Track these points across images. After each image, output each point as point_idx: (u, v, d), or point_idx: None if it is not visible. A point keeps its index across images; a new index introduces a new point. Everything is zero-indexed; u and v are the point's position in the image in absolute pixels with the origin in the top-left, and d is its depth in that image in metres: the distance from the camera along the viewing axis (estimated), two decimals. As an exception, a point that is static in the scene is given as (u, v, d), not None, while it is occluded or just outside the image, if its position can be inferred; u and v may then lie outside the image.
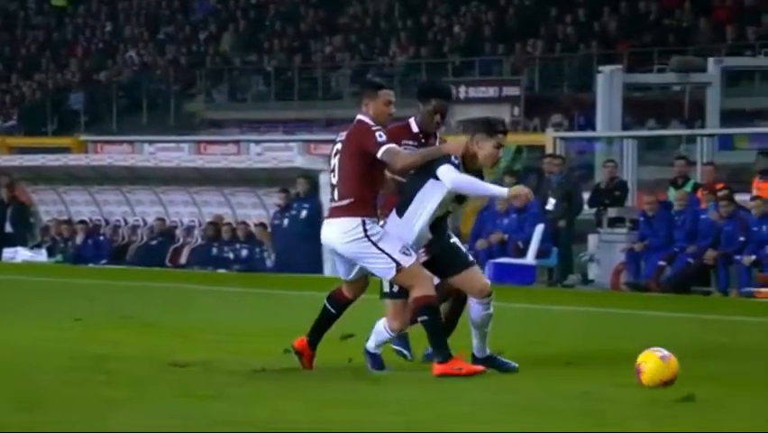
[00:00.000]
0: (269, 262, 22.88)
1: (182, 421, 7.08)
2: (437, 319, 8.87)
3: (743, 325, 14.18)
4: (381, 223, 9.00)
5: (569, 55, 32.96)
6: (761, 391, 8.49)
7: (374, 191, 8.90)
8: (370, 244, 8.78)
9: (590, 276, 20.04)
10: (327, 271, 21.98)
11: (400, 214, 8.95)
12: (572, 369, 9.42)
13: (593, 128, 24.25)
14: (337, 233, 8.90)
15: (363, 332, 9.57)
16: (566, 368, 9.45)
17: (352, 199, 8.83)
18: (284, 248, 22.43)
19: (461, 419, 7.27)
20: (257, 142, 27.34)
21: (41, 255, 25.44)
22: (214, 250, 23.57)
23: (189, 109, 37.70)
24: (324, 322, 9.30)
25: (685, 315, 15.10)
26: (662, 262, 18.78)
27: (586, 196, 20.42)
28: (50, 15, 44.10)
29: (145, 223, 24.97)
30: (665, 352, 8.53)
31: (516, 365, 9.14)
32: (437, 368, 8.82)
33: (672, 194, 19.72)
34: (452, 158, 8.87)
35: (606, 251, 19.74)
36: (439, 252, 9.03)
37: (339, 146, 9.01)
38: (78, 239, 25.34)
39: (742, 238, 18.10)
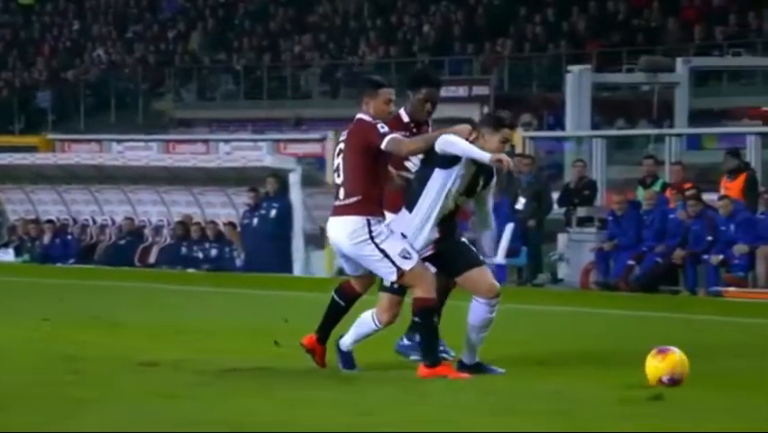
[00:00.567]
0: (238, 262, 22.82)
1: (151, 421, 7.04)
2: (432, 323, 8.84)
3: (711, 324, 14.25)
4: (387, 221, 8.92)
5: (538, 55, 33.05)
6: (730, 390, 8.52)
7: (379, 188, 8.88)
8: (374, 246, 8.78)
9: (560, 275, 20.09)
10: (297, 270, 21.95)
11: (410, 209, 8.90)
12: (543, 368, 9.43)
13: (562, 128, 24.33)
14: (344, 233, 8.88)
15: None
16: (537, 367, 9.46)
17: (359, 197, 8.83)
18: (253, 247, 22.38)
19: (431, 419, 7.26)
20: (226, 141, 27.25)
21: (9, 255, 25.29)
22: (184, 249, 23.49)
23: (158, 108, 37.56)
24: (332, 316, 9.26)
25: (654, 314, 15.15)
26: (630, 262, 18.85)
27: (555, 195, 20.47)
28: (16, 14, 43.85)
29: (113, 222, 24.86)
30: (663, 348, 8.45)
31: (503, 371, 9.09)
32: (423, 371, 8.80)
33: (641, 193, 19.79)
34: None
35: (575, 250, 19.80)
36: (446, 250, 8.93)
37: (342, 145, 9.02)
38: (46, 238, 25.19)
39: (710, 238, 18.18)
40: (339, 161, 8.97)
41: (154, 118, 36.58)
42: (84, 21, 42.70)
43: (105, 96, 37.98)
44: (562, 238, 20.19)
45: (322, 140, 24.91)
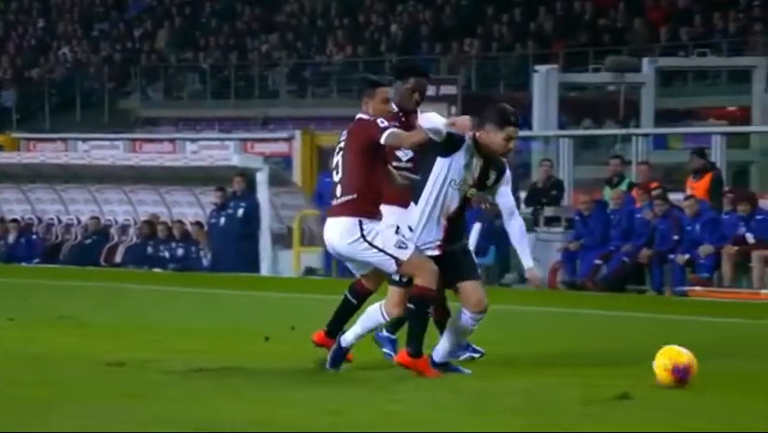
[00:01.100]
0: (205, 261, 22.74)
1: (118, 422, 7.00)
2: (425, 313, 8.80)
3: (677, 323, 14.31)
4: (389, 218, 8.92)
5: (505, 54, 33.12)
6: (696, 389, 8.55)
7: (376, 187, 8.89)
8: (367, 244, 8.79)
9: (527, 275, 20.10)
10: (264, 270, 21.90)
11: (417, 201, 8.89)
12: (511, 368, 9.44)
13: (529, 127, 24.36)
14: (337, 235, 8.90)
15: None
16: (504, 367, 9.46)
17: (354, 196, 8.85)
18: (220, 247, 22.31)
19: (399, 419, 7.26)
20: (193, 140, 27.16)
21: (-27, 254, 25.11)
22: (150, 249, 23.39)
23: (124, 107, 37.40)
24: (344, 313, 9.25)
25: (620, 313, 15.21)
26: (597, 261, 18.91)
27: (523, 195, 20.51)
28: (-19, 12, 43.55)
29: (79, 221, 24.73)
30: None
31: (470, 372, 9.10)
32: (404, 358, 8.81)
33: (608, 193, 19.86)
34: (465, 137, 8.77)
35: (542, 250, 19.84)
36: (449, 255, 8.88)
37: (342, 144, 9.03)
38: (11, 238, 25.03)
39: (676, 237, 18.26)
40: (338, 159, 9.00)
41: (120, 117, 36.41)
42: (49, 19, 42.46)
43: (70, 94, 37.78)
44: (529, 238, 20.21)
45: (289, 139, 24.86)
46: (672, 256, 18.18)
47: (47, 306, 14.73)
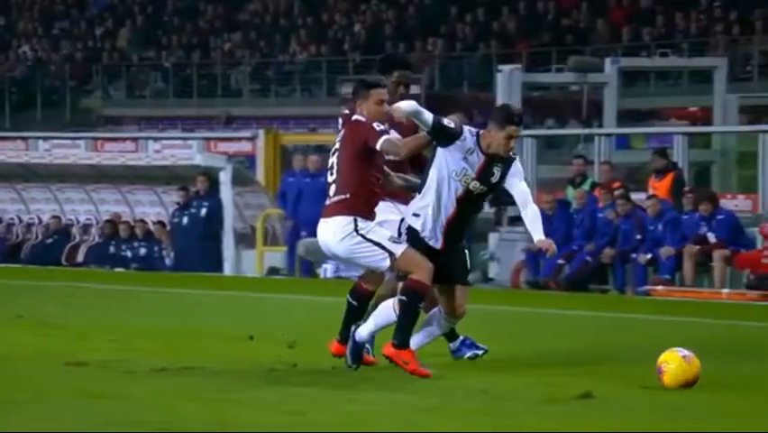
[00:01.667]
0: (167, 261, 22.64)
1: (80, 422, 6.96)
2: (416, 307, 8.79)
3: (639, 323, 14.37)
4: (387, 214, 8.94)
5: (468, 54, 33.20)
6: (658, 388, 8.59)
7: (369, 188, 8.88)
8: (360, 238, 8.78)
9: (491, 274, 20.15)
10: (227, 270, 21.83)
11: (420, 191, 8.93)
12: (472, 367, 9.44)
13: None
14: (331, 234, 8.89)
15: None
16: (466, 366, 9.47)
17: (347, 196, 8.84)
18: (183, 247, 22.22)
19: (360, 418, 7.25)
20: (155, 139, 27.02)
21: (-67, 254, 24.88)
22: (112, 248, 23.26)
23: (86, 106, 37.20)
24: (350, 318, 9.19)
25: (583, 313, 15.25)
26: (560, 261, 18.95)
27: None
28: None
29: (40, 221, 24.55)
30: (686, 351, 8.40)
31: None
32: (389, 350, 8.82)
33: (571, 193, 19.91)
34: (464, 134, 8.78)
35: (506, 249, 19.87)
36: (446, 254, 8.88)
37: (338, 144, 9.01)
38: (-29, 237, 24.82)
39: (638, 237, 18.33)
40: (333, 159, 8.98)
41: (82, 116, 36.22)
42: (9, 17, 42.16)
43: (31, 93, 37.54)
44: (492, 237, 20.26)
45: (253, 138, 24.79)
46: (634, 256, 18.25)
47: (8, 306, 14.61)
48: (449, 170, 8.82)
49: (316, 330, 11.52)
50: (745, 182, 21.04)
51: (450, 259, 8.95)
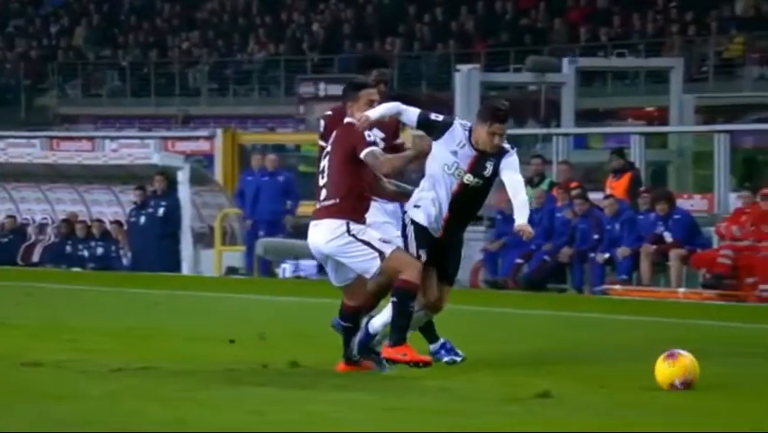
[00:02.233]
0: (125, 261, 22.52)
1: (36, 423, 6.90)
2: (408, 307, 8.77)
3: (597, 322, 14.43)
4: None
5: (427, 53, 33.23)
6: (615, 387, 8.62)
7: (359, 192, 8.85)
8: (351, 238, 8.76)
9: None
10: (185, 269, 21.73)
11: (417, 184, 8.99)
12: (432, 366, 9.42)
13: (451, 127, 24.40)
14: (322, 236, 8.85)
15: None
16: (425, 366, 9.44)
17: (337, 200, 8.82)
18: (140, 246, 22.10)
19: (321, 418, 7.23)
20: (112, 138, 26.86)
21: None
22: (68, 248, 23.11)
23: (41, 104, 36.94)
24: (349, 339, 9.14)
25: (542, 312, 15.30)
26: (519, 260, 19.00)
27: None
28: None
29: (-5, 220, 24.34)
30: (674, 351, 8.37)
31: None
32: (386, 351, 8.80)
33: (529, 192, 19.91)
34: (454, 126, 8.79)
35: (464, 249, 19.85)
36: (444, 244, 8.89)
37: (329, 148, 8.96)
38: (-74, 237, 24.57)
39: (596, 236, 18.41)
40: (324, 162, 8.95)
41: (37, 115, 35.97)
42: (-36, 15, 41.78)
43: (-14, 91, 37.20)
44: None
45: (210, 137, 24.69)
46: (592, 255, 18.32)
47: (-38, 306, 14.47)
48: (441, 163, 8.88)
49: (276, 330, 11.49)
50: (700, 182, 21.19)
51: (447, 254, 8.97)
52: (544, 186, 19.78)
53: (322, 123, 9.42)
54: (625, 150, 20.34)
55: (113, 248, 22.73)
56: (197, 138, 25.84)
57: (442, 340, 9.38)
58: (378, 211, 9.13)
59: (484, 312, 15.47)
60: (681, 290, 17.46)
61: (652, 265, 17.86)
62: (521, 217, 9.01)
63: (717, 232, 17.91)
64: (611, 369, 9.66)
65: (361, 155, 8.77)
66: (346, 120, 9.00)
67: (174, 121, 34.27)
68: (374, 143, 8.83)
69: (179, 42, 38.00)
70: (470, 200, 9.00)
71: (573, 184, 19.23)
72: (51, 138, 26.93)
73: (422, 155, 8.98)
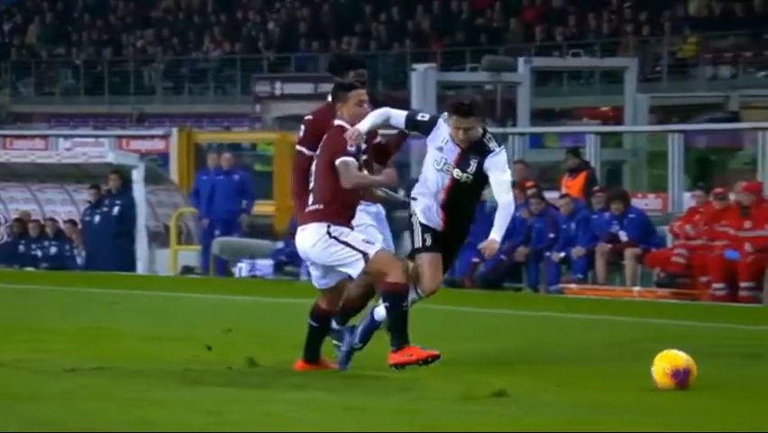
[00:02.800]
0: (79, 260, 22.37)
1: (-10, 425, 6.83)
2: (401, 308, 8.73)
3: (553, 321, 14.48)
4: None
5: (383, 53, 33.25)
6: (572, 385, 8.66)
7: (344, 198, 8.79)
8: (333, 240, 8.72)
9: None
10: (140, 269, 21.61)
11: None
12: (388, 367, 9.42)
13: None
14: (308, 240, 8.82)
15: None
16: (383, 364, 9.44)
17: (322, 205, 8.79)
18: (95, 246, 21.96)
19: (279, 418, 7.21)
20: (66, 137, 26.68)
21: None
22: (21, 247, 22.92)
23: (-6, 102, 36.61)
24: (313, 339, 9.13)
25: (498, 311, 15.34)
26: (475, 259, 19.05)
27: (401, 193, 20.53)
28: None
29: (-52, 219, 24.12)
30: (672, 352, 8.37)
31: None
32: (392, 357, 8.75)
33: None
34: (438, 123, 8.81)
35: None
36: (446, 237, 8.96)
37: (318, 151, 8.93)
38: None
39: (552, 235, 18.48)
40: (314, 166, 8.93)
41: (-10, 113, 35.63)
42: None
43: (-62, 89, 36.85)
44: (408, 236, 20.28)
45: (166, 136, 24.57)
46: (547, 254, 18.39)
47: None
48: (432, 160, 8.96)
49: (233, 329, 11.44)
50: (655, 181, 21.33)
51: (445, 246, 9.02)
52: (500, 185, 19.81)
53: (302, 127, 9.33)
54: (580, 149, 20.44)
55: (67, 247, 22.57)
56: (152, 137, 25.72)
57: (350, 325, 9.35)
58: (361, 213, 9.11)
59: (441, 311, 15.47)
60: (636, 288, 17.57)
61: (607, 264, 17.96)
62: (494, 233, 9.07)
63: (671, 231, 18.04)
64: (567, 368, 9.70)
65: (336, 162, 8.74)
66: (336, 122, 8.94)
67: (128, 119, 34.09)
68: (353, 154, 8.76)
69: (134, 40, 37.81)
70: (464, 196, 9.04)
71: (529, 183, 19.30)
72: (4, 137, 26.72)
73: (388, 186, 8.98)
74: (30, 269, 22.39)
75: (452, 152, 8.91)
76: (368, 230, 9.08)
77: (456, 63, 29.21)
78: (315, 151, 9.03)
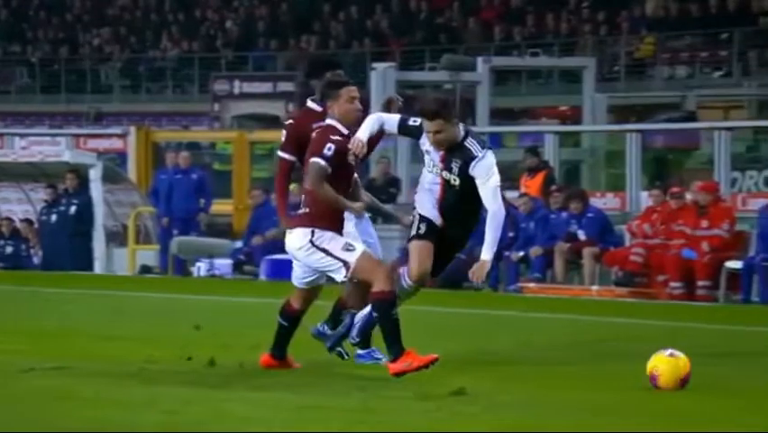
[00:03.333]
0: (35, 260, 22.22)
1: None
2: (391, 316, 8.65)
3: (512, 320, 14.52)
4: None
5: (342, 52, 33.21)
6: (531, 384, 8.68)
7: (328, 204, 8.71)
8: (314, 249, 8.68)
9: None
10: (97, 268, 21.49)
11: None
12: (347, 364, 9.42)
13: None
14: (295, 245, 8.78)
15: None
16: (341, 363, 9.44)
17: (308, 209, 8.74)
18: (52, 245, 21.82)
19: (236, 417, 7.18)
20: (22, 135, 26.47)
21: None
22: (-23, 247, 22.74)
23: (-51, 101, 36.28)
24: (281, 337, 9.08)
25: (457, 310, 15.37)
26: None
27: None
28: None
29: None
30: (671, 351, 8.31)
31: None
32: (392, 367, 8.64)
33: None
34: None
35: (381, 247, 19.86)
36: (445, 237, 8.96)
37: (307, 154, 8.86)
38: None
39: (511, 234, 18.52)
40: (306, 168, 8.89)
41: (-55, 111, 35.30)
42: None
43: None
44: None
45: (123, 135, 24.44)
46: (507, 254, 18.43)
47: None
48: (425, 163, 8.99)
49: (192, 329, 11.40)
50: (613, 181, 21.44)
51: (443, 244, 9.02)
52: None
53: (283, 132, 9.26)
54: (539, 148, 20.51)
55: (23, 247, 22.40)
56: (110, 135, 25.57)
57: (373, 348, 9.31)
58: (347, 217, 9.06)
59: (400, 310, 15.48)
60: (595, 287, 17.65)
61: (565, 263, 18.03)
62: (485, 253, 8.96)
63: (628, 230, 18.13)
64: (526, 366, 9.73)
65: (309, 161, 8.67)
66: (327, 122, 8.85)
67: (85, 118, 33.87)
68: (326, 158, 8.66)
69: (90, 38, 37.59)
70: (457, 199, 8.98)
71: (489, 183, 19.32)
72: (-41, 135, 26.45)
73: (352, 213, 8.91)
74: (-15, 268, 22.21)
75: (437, 154, 8.90)
76: (352, 234, 9.02)
77: (415, 62, 29.22)
78: (295, 155, 9.00)
